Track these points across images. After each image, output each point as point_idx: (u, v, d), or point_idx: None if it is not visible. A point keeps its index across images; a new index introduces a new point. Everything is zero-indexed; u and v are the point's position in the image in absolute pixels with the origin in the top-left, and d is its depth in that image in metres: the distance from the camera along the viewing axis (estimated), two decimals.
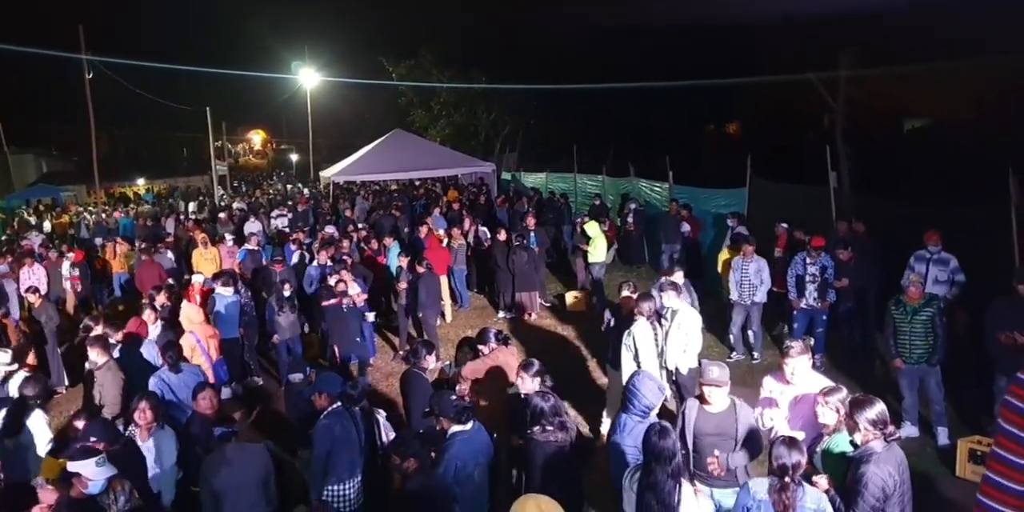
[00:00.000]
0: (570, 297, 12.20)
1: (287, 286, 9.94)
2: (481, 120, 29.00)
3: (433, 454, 4.95)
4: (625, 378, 5.99)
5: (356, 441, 5.60)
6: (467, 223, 13.87)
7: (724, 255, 10.05)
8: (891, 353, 7.15)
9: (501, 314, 12.13)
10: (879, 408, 4.19)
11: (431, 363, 6.51)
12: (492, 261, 12.34)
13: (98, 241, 19.15)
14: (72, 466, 4.26)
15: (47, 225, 23.53)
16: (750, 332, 9.47)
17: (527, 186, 22.59)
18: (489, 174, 20.60)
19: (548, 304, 12.43)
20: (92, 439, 5.02)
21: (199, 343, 8.33)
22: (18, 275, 13.12)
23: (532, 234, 12.68)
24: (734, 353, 9.48)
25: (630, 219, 14.73)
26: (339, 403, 5.63)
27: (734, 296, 9.31)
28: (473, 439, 5.09)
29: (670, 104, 24.29)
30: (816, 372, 5.49)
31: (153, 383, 6.74)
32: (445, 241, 12.90)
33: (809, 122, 22.60)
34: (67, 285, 13.66)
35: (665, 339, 7.19)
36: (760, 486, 4.03)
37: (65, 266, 13.77)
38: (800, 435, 4.73)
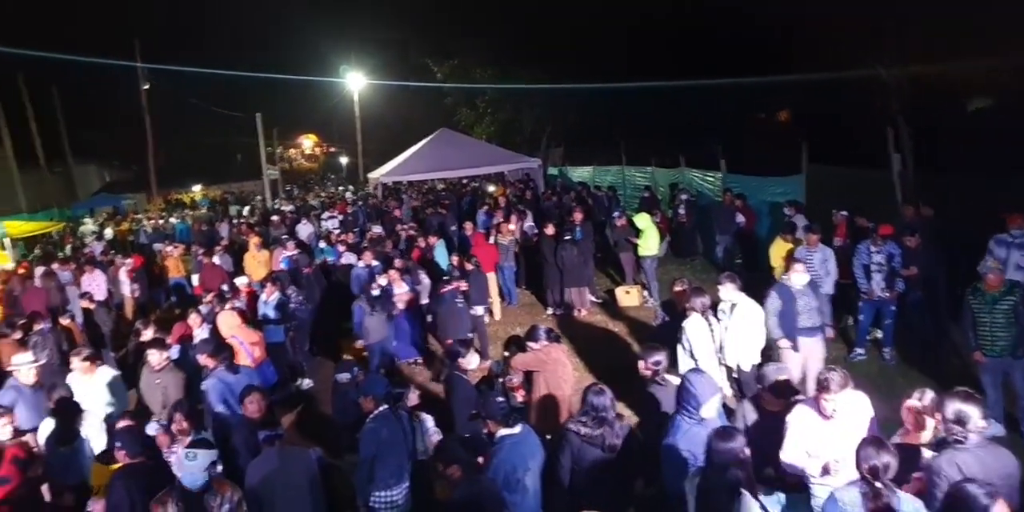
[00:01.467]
0: (621, 292, 11.88)
1: (375, 286, 9.77)
2: (525, 116, 28.77)
3: (481, 459, 4.78)
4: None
5: (403, 445, 5.46)
6: (514, 219, 13.65)
7: (779, 246, 9.55)
8: (970, 346, 6.68)
9: (550, 311, 11.90)
10: (958, 405, 3.87)
11: (472, 363, 6.32)
12: (540, 256, 12.12)
13: (156, 247, 19.60)
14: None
15: (109, 232, 24.20)
16: None
17: (573, 180, 22.28)
18: (535, 169, 20.34)
19: (598, 300, 12.13)
20: (116, 444, 5.00)
21: (242, 346, 8.31)
22: (80, 282, 13.51)
23: (579, 229, 12.40)
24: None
25: (681, 210, 14.33)
26: (385, 406, 5.49)
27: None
28: (523, 443, 4.89)
29: (718, 92, 23.65)
30: (858, 393, 4.75)
31: (211, 383, 6.75)
32: (492, 238, 12.72)
33: (865, 104, 21.68)
34: (126, 291, 13.98)
35: (724, 334, 6.87)
36: (848, 494, 3.70)
37: (124, 272, 14.10)
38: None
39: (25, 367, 6.91)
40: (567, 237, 11.53)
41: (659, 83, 18.44)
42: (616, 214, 12.54)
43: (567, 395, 6.48)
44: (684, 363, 6.56)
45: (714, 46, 22.57)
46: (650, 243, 11.63)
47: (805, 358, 7.07)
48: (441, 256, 12.41)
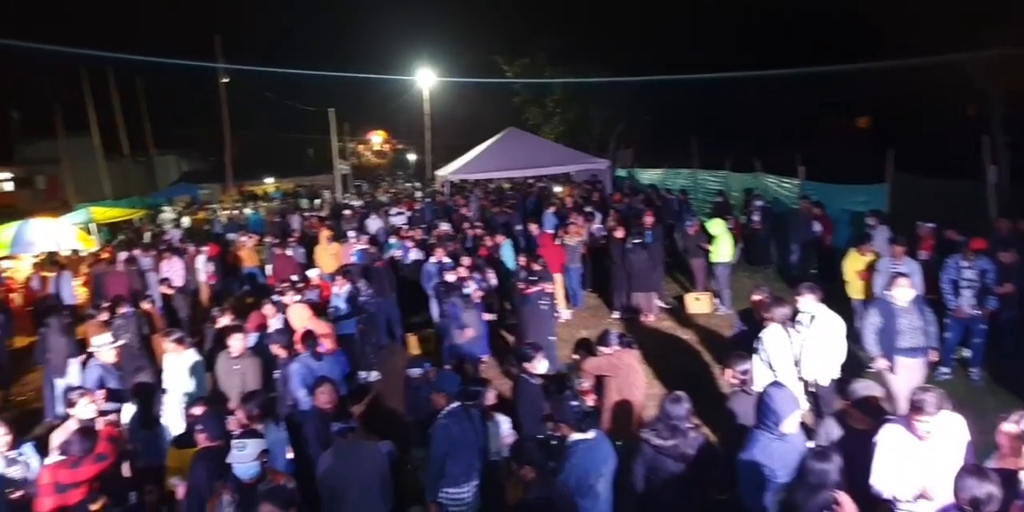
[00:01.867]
0: (691, 299, 11.64)
1: (470, 283, 9.76)
2: (595, 116, 28.57)
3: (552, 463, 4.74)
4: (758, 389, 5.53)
5: (474, 443, 5.45)
6: (581, 220, 13.53)
7: (853, 258, 9.16)
8: None
9: (616, 315, 11.75)
10: None
11: (540, 367, 6.26)
12: (608, 259, 11.99)
13: (231, 236, 20.18)
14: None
15: (186, 221, 25.09)
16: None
17: (643, 183, 21.99)
18: (603, 170, 20.16)
19: (667, 306, 11.93)
20: (198, 427, 5.12)
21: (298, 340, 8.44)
22: (159, 268, 14.02)
23: (650, 232, 12.20)
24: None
25: (756, 217, 13.97)
26: (457, 403, 5.48)
27: None
28: (596, 448, 4.82)
29: (796, 95, 23.00)
30: (954, 415, 4.50)
31: (294, 368, 6.90)
32: (559, 239, 12.64)
33: (955, 110, 20.73)
34: (202, 278, 14.44)
35: (802, 347, 6.64)
36: None
37: (200, 260, 14.57)
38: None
39: (106, 348, 7.18)
40: (637, 240, 11.36)
41: (736, 74, 17.83)
42: (689, 223, 12.26)
43: (639, 402, 6.39)
44: (762, 375, 6.36)
45: (794, 40, 21.92)
46: (723, 249, 11.36)
47: (903, 380, 6.71)
48: (507, 255, 12.40)
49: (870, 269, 8.79)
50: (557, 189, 22.24)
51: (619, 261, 11.50)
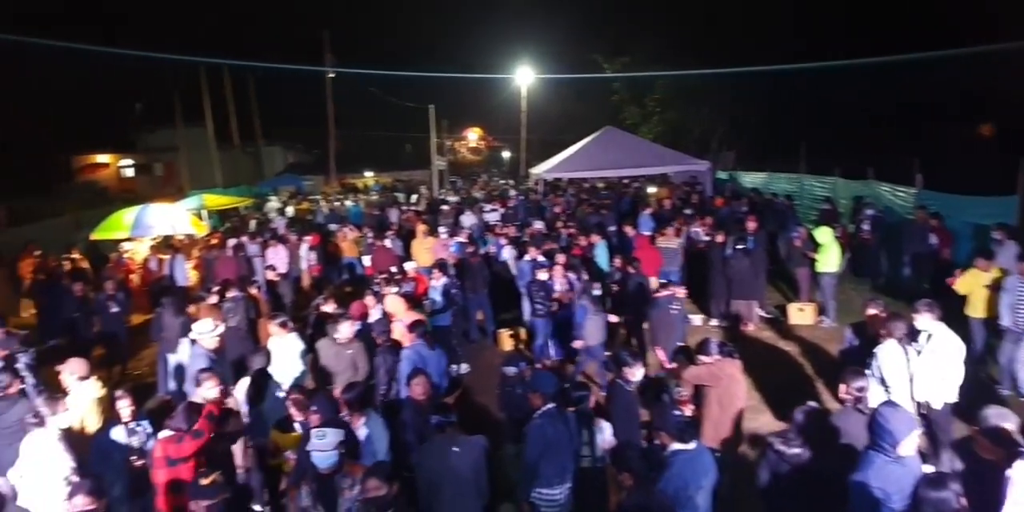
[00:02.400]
0: (794, 309, 11.20)
1: (598, 285, 9.65)
2: (696, 117, 27.94)
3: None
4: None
5: (568, 445, 5.39)
6: (679, 223, 13.24)
7: (974, 275, 8.54)
8: None
9: (713, 322, 11.44)
10: None
11: (637, 374, 6.12)
12: (706, 265, 11.68)
13: (332, 227, 20.83)
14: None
15: (290, 210, 26.06)
16: (1018, 365, 8.03)
17: (745, 186, 21.33)
18: (704, 172, 19.68)
19: (768, 315, 11.52)
20: (312, 408, 5.25)
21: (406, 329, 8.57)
22: (265, 255, 14.63)
23: (752, 238, 11.81)
24: (1002, 389, 8.10)
25: (865, 226, 13.29)
26: (552, 405, 5.44)
27: (1006, 322, 7.92)
28: (696, 459, 4.70)
29: (913, 98, 21.80)
30: None
31: (408, 355, 7.10)
32: (656, 242, 12.41)
33: None
34: (304, 266, 14.97)
35: (917, 367, 6.25)
36: None
37: (303, 248, 15.10)
38: None
39: (207, 335, 7.47)
40: (739, 246, 11.02)
41: (846, 62, 16.93)
42: (795, 231, 11.78)
43: (739, 413, 6.18)
44: (874, 393, 6.02)
45: (911, 39, 20.73)
46: (830, 259, 10.87)
47: None
48: (602, 256, 12.28)
49: (994, 287, 8.22)
50: (652, 190, 21.83)
51: (719, 267, 11.20)
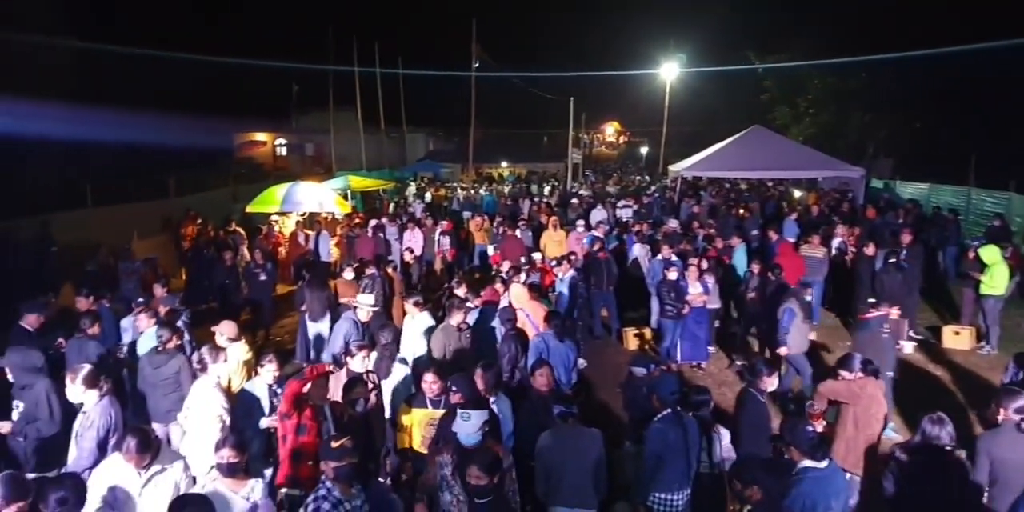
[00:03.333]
0: (949, 332, 10.33)
1: (810, 291, 9.14)
2: (854, 120, 26.28)
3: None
4: None
5: (687, 451, 5.22)
6: (840, 231, 12.49)
7: None
8: None
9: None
10: None
11: (771, 385, 5.83)
12: (852, 277, 10.97)
13: (465, 214, 21.34)
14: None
15: (428, 196, 26.92)
16: None
17: (902, 197, 19.88)
18: (856, 180, 18.50)
19: (919, 337, 10.68)
20: (453, 389, 5.35)
21: (528, 318, 8.58)
22: (402, 237, 15.18)
23: (907, 252, 10.98)
24: None
25: None
26: (669, 410, 5.27)
27: None
28: (828, 479, 4.41)
29: None
30: None
31: (536, 343, 7.18)
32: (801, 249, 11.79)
33: None
34: (437, 250, 15.41)
35: None
36: None
37: (438, 233, 15.54)
38: None
39: (367, 308, 7.82)
40: (891, 260, 10.27)
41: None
42: (973, 247, 10.81)
43: (876, 436, 5.76)
44: None
45: None
46: (997, 281, 9.93)
47: None
48: (740, 260, 11.82)
49: None
50: (798, 194, 20.80)
51: (866, 281, 10.49)
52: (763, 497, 4.17)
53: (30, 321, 7.30)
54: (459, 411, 4.65)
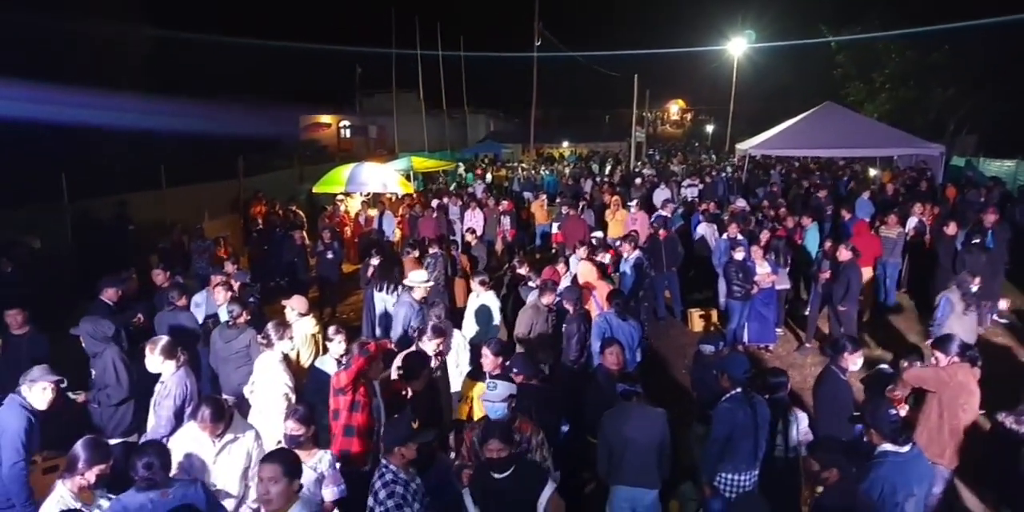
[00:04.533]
0: None
1: (977, 280, 8.23)
2: (934, 96, 25.02)
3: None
4: None
5: (755, 431, 5.09)
6: (918, 210, 11.93)
7: None
8: None
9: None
10: None
11: (853, 363, 5.60)
12: (930, 258, 10.49)
13: (526, 195, 21.26)
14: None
15: (488, 176, 26.91)
16: None
17: (986, 175, 18.88)
18: (935, 157, 17.61)
19: (1003, 320, 10.16)
20: (514, 370, 5.34)
21: (593, 297, 8.50)
22: (463, 217, 15.22)
23: (991, 233, 10.42)
24: None
25: None
26: (739, 390, 5.14)
27: None
28: (910, 464, 4.25)
29: None
30: None
31: (599, 321, 7.15)
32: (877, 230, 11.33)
33: None
34: (498, 230, 15.40)
35: None
36: None
37: (499, 213, 15.51)
38: None
39: (421, 284, 7.83)
40: (975, 241, 9.77)
41: None
42: None
43: (964, 426, 5.43)
44: None
45: None
46: None
47: None
48: (811, 240, 11.43)
49: None
50: (874, 173, 19.98)
51: (946, 262, 10.00)
52: (839, 480, 4.02)
53: (109, 295, 7.61)
54: (488, 381, 4.63)
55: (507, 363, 5.48)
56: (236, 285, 8.22)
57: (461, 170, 28.51)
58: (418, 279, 7.89)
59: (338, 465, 4.58)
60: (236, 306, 6.87)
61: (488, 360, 5.85)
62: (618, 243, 10.95)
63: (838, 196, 15.63)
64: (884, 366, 6.19)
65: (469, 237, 13.14)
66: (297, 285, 11.58)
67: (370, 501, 3.88)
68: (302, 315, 7.02)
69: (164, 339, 5.46)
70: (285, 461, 3.60)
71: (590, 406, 5.68)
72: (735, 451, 5.03)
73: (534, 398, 5.20)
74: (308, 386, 5.97)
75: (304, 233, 13.01)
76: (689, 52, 43.16)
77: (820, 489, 4.18)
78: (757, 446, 5.11)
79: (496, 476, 3.95)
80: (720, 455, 5.04)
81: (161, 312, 7.45)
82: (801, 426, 5.24)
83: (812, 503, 4.27)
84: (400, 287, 8.28)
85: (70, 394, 5.83)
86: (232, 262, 9.73)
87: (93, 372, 5.97)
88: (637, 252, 10.18)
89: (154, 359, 5.34)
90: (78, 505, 3.78)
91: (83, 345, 5.96)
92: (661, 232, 11.29)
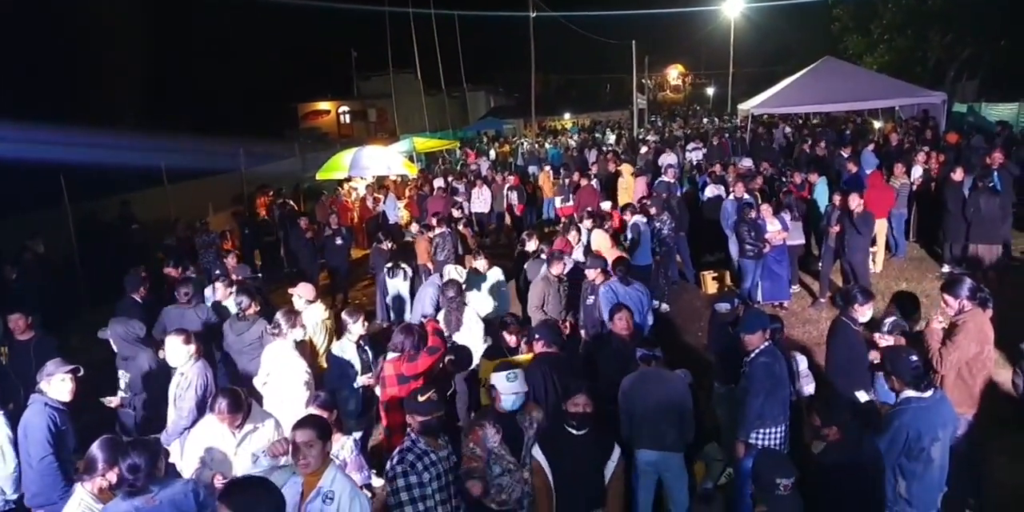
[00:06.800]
0: None
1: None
2: (933, 43, 24.61)
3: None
4: None
5: (787, 382, 5.12)
6: (921, 158, 11.82)
7: None
8: None
9: (946, 268, 10.22)
10: None
11: (863, 314, 5.55)
12: (937, 205, 10.40)
13: (531, 169, 21.20)
14: (492, 378, 4.41)
15: (492, 153, 26.84)
16: None
17: (989, 121, 18.64)
18: (937, 105, 17.38)
19: (1015, 262, 10.10)
20: (538, 339, 5.37)
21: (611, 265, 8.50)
22: (470, 194, 15.20)
23: (997, 174, 10.30)
24: None
25: None
26: (770, 341, 5.14)
27: None
28: (933, 409, 4.24)
29: None
30: None
31: (604, 291, 7.13)
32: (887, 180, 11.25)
33: None
34: (506, 205, 15.40)
35: None
36: None
37: (505, 189, 15.50)
38: None
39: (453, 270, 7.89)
40: (989, 183, 9.66)
41: None
42: None
43: (983, 373, 5.33)
44: None
45: None
46: None
47: None
48: (821, 195, 11.37)
49: None
50: (878, 125, 19.77)
51: (955, 207, 9.92)
52: (840, 438, 4.04)
53: (140, 293, 7.63)
54: (506, 373, 4.32)
55: (532, 333, 5.52)
56: (237, 279, 8.19)
57: (458, 154, 28.44)
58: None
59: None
60: (244, 297, 6.71)
61: (511, 338, 5.90)
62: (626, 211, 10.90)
63: (841, 144, 15.47)
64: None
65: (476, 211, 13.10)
66: (307, 273, 11.61)
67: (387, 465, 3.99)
68: (310, 302, 6.94)
69: (177, 331, 5.45)
70: (317, 425, 3.60)
71: (604, 373, 5.71)
72: (771, 405, 5.03)
73: (557, 366, 5.23)
74: (331, 373, 5.98)
75: (307, 220, 13.01)
76: (685, 12, 42.47)
77: (822, 445, 4.18)
78: (787, 397, 5.14)
79: (574, 433, 4.03)
80: (760, 411, 5.01)
81: (167, 308, 7.23)
82: (801, 368, 5.28)
83: (814, 460, 4.27)
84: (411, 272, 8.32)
85: (102, 400, 5.78)
86: (234, 256, 9.75)
87: (124, 373, 5.91)
88: (642, 217, 10.12)
89: (175, 350, 5.29)
90: (99, 508, 3.69)
91: (114, 349, 5.91)
92: (664, 197, 11.25)
